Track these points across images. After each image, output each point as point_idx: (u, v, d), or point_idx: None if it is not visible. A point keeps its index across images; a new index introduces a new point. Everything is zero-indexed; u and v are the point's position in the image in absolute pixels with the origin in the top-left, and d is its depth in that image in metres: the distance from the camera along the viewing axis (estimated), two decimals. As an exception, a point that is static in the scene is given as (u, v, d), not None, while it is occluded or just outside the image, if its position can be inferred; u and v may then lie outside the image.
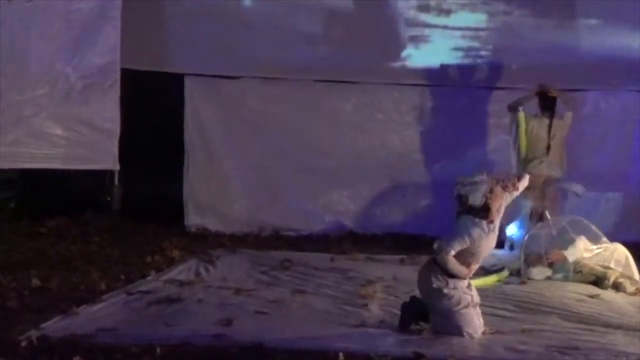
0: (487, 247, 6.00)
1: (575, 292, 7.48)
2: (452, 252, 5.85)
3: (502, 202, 5.92)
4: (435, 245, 5.97)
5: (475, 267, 6.03)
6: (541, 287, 7.69)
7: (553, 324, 6.42)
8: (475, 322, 5.92)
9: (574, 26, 10.35)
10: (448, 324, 5.90)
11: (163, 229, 9.80)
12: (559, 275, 8.03)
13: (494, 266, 8.33)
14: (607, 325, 6.37)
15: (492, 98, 10.34)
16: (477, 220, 5.87)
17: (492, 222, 5.90)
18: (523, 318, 6.57)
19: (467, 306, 5.91)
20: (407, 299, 6.22)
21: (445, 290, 5.90)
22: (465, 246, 5.85)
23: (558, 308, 6.85)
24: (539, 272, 8.03)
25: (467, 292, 5.96)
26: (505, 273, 8.04)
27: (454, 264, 5.87)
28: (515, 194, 6.12)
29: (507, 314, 6.70)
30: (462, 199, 5.89)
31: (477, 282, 7.68)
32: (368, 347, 5.52)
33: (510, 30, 10.41)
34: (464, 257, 5.90)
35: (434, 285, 5.93)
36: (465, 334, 5.85)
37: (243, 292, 7.10)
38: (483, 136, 10.41)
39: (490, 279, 7.87)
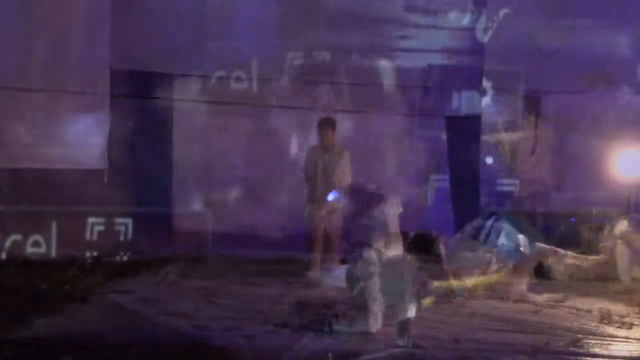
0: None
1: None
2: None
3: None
4: None
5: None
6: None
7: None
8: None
9: (565, 27, 10.37)
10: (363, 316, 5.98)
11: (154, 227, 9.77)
12: None
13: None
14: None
15: (483, 100, 10.38)
16: None
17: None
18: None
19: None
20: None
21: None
22: None
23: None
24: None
25: None
26: (504, 271, 8.08)
27: None
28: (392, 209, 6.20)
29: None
30: None
31: (481, 281, 7.75)
32: (367, 346, 5.55)
33: (501, 30, 10.43)
34: None
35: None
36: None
37: (240, 293, 7.11)
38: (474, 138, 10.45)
39: (492, 279, 7.91)
